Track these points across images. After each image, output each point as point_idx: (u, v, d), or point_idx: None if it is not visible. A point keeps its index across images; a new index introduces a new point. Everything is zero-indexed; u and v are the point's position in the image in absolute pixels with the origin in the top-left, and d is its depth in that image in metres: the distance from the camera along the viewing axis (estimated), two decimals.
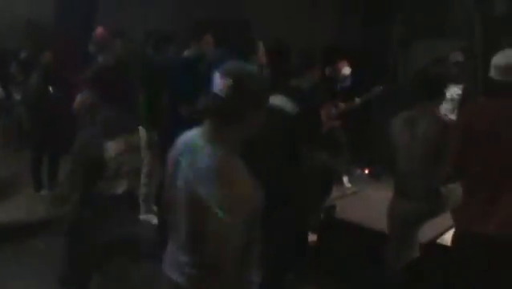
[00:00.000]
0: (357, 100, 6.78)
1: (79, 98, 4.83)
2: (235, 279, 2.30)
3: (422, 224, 4.21)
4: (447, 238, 4.53)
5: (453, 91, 6.41)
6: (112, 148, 3.53)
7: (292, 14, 8.81)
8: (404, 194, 4.16)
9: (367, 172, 7.66)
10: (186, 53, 5.82)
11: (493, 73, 3.19)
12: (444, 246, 4.63)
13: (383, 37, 8.83)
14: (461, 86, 6.28)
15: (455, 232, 3.49)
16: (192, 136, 2.40)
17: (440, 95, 4.14)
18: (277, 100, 3.98)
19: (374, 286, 4.38)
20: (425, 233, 4.50)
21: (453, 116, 6.25)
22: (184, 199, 2.31)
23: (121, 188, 3.64)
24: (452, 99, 6.40)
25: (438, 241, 4.80)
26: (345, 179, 7.03)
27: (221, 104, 2.22)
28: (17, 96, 7.95)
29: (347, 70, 6.74)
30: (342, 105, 6.77)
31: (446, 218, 4.02)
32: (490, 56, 3.27)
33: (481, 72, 8.15)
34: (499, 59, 3.18)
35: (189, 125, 2.47)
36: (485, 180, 3.20)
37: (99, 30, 6.33)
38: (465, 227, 3.35)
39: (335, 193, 6.03)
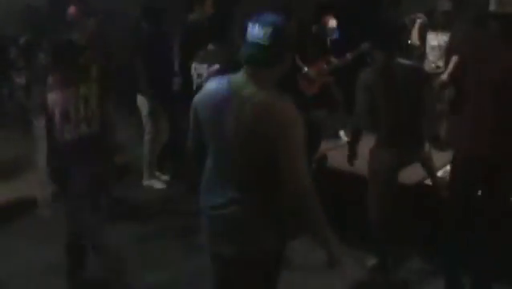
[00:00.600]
0: (348, 56, 6.88)
1: None
2: None
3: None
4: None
5: (441, 39, 6.54)
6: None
7: None
8: (391, 144, 4.34)
9: None
10: (191, 17, 6.31)
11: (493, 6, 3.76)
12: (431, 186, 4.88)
13: None
14: (448, 34, 6.37)
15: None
16: (228, 83, 2.66)
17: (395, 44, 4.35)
18: None
19: (365, 233, 4.59)
20: (410, 176, 4.72)
21: (440, 63, 6.42)
22: (239, 139, 2.58)
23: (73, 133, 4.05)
24: (439, 47, 6.54)
25: (426, 182, 5.04)
26: (341, 133, 7.21)
27: (264, 50, 2.53)
28: (20, 81, 8.11)
29: (333, 23, 6.83)
30: (334, 61, 6.87)
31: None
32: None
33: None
34: None
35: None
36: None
37: (71, 9, 6.58)
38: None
39: (330, 144, 6.28)
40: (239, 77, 2.64)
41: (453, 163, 4.16)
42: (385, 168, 4.35)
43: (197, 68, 5.22)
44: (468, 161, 3.95)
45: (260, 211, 2.66)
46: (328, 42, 7.00)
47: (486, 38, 3.88)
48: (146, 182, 6.76)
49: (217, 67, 4.90)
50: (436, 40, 6.70)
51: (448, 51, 4.18)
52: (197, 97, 2.77)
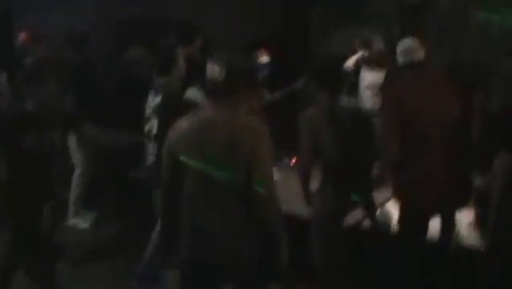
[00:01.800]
0: (277, 94, 6.77)
1: None
2: None
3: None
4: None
5: (376, 77, 6.58)
6: None
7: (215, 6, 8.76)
8: (334, 185, 4.26)
9: (294, 161, 7.70)
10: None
11: (399, 59, 4.11)
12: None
13: (304, 26, 8.97)
14: (383, 72, 6.44)
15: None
16: (193, 121, 3.00)
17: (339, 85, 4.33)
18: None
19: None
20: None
21: (372, 101, 6.48)
22: (221, 160, 2.88)
23: None
24: (374, 85, 6.59)
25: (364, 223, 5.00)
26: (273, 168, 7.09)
27: (221, 84, 2.91)
28: None
29: (264, 58, 6.75)
30: (267, 96, 6.77)
31: None
32: None
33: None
34: (400, 46, 4.14)
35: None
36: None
37: (22, 34, 6.28)
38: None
39: None
40: (205, 109, 3.03)
41: (400, 215, 4.21)
42: (330, 211, 4.27)
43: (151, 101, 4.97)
44: (416, 213, 4.02)
45: (243, 222, 2.97)
46: (259, 76, 6.91)
47: (420, 86, 4.00)
48: (71, 221, 6.34)
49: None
50: (371, 78, 6.74)
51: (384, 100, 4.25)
52: (172, 136, 3.03)
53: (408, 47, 4.09)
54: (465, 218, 4.69)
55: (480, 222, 4.65)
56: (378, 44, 6.83)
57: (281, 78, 7.01)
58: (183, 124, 3.02)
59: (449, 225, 4.34)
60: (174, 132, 3.03)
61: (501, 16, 7.91)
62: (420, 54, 4.05)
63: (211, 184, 2.93)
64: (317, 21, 9.23)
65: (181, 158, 2.97)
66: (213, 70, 2.92)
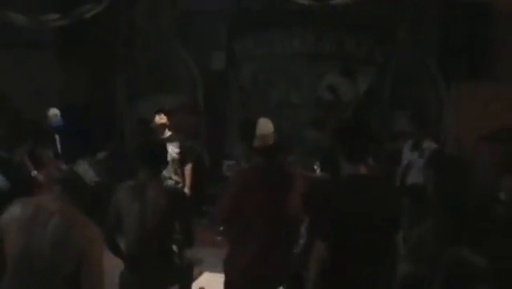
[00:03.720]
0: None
1: None
2: None
3: None
4: None
5: (172, 151, 6.14)
6: None
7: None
8: (136, 264, 3.98)
9: None
10: None
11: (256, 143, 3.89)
12: None
13: (109, 96, 8.73)
14: (177, 144, 6.28)
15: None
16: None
17: (163, 163, 4.19)
18: None
19: None
20: None
21: (176, 177, 6.25)
22: None
23: None
24: (173, 160, 6.31)
25: None
26: None
27: None
28: None
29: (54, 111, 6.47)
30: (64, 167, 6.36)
31: None
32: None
33: (204, 128, 8.59)
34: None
35: None
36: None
37: None
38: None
39: None
40: None
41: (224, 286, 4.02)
42: None
43: None
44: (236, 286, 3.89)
45: None
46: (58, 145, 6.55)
47: (256, 174, 3.90)
48: None
49: None
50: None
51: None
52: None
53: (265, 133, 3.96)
54: None
55: None
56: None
57: (87, 145, 6.71)
58: None
59: None
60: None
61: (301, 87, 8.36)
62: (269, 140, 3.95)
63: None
64: (123, 87, 9.00)
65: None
66: None
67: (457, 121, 7.06)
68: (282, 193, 3.80)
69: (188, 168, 6.32)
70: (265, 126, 3.98)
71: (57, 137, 7.16)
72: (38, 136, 6.28)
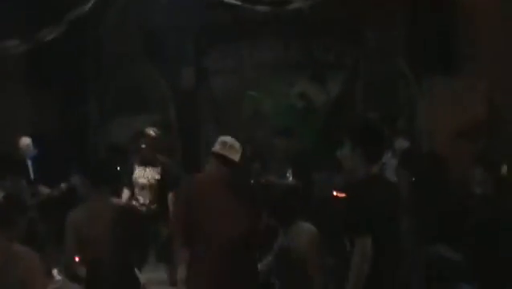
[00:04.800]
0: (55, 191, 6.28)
1: None
2: None
3: None
4: None
5: (150, 175, 5.84)
6: None
7: None
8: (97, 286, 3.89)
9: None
10: None
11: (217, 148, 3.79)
12: None
13: (80, 118, 8.63)
14: (158, 169, 5.86)
15: None
16: None
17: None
18: None
19: None
20: None
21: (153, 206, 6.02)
22: None
23: None
24: (150, 185, 5.82)
25: None
26: (54, 271, 6.48)
27: None
28: None
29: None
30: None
31: None
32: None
33: (178, 144, 8.51)
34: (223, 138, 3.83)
35: None
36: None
37: None
38: None
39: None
40: None
41: None
42: None
43: None
44: None
45: None
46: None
47: (213, 187, 3.77)
48: None
49: None
50: (144, 178, 5.89)
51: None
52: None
53: (228, 144, 3.82)
54: None
55: None
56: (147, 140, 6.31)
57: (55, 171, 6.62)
58: None
59: None
60: None
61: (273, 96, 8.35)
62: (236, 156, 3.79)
63: None
64: (95, 109, 8.92)
65: None
66: None
67: (429, 118, 7.06)
68: (234, 201, 3.71)
69: (170, 196, 5.66)
70: (231, 139, 3.86)
71: (29, 163, 7.05)
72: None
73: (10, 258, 2.73)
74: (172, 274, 5.67)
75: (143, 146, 5.82)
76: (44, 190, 6.38)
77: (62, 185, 6.49)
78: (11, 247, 2.79)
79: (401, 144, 5.10)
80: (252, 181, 4.97)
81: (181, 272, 3.79)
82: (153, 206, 5.79)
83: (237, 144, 3.81)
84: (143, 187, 5.75)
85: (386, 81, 7.70)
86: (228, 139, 3.83)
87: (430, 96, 7.16)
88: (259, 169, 5.63)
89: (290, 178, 4.60)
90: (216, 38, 8.41)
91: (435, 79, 7.07)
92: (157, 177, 5.80)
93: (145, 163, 5.80)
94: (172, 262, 5.79)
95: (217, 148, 3.80)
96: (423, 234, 4.04)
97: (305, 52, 8.17)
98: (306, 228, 4.00)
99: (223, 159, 3.75)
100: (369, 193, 3.00)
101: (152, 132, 5.91)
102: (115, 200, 4.10)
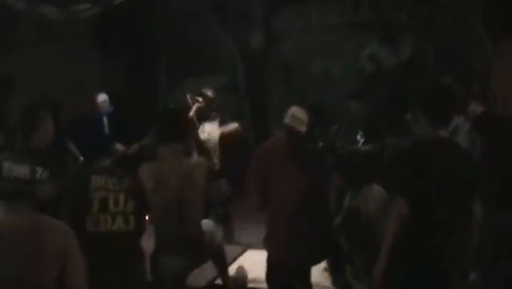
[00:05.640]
0: (130, 149, 6.41)
1: None
2: None
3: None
4: None
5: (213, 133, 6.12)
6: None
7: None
8: (167, 248, 3.98)
9: None
10: None
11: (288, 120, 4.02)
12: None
13: (150, 79, 8.78)
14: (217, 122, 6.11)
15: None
16: None
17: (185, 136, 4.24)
18: None
19: None
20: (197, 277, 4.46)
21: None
22: None
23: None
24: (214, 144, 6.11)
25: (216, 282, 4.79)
26: None
27: None
28: None
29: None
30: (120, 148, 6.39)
31: None
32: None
33: (246, 106, 8.55)
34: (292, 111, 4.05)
35: None
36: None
37: None
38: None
39: None
40: None
41: (268, 263, 4.01)
42: (169, 274, 3.96)
43: None
44: (281, 261, 3.88)
45: None
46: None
47: (286, 149, 3.97)
48: None
49: None
50: (204, 132, 6.11)
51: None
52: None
53: (296, 117, 4.04)
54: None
55: (333, 268, 4.61)
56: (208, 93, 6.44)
57: (128, 130, 6.76)
58: None
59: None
60: None
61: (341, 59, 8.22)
62: (303, 128, 4.03)
63: None
64: (163, 71, 9.05)
65: None
66: None
67: (504, 81, 6.78)
68: (306, 167, 3.87)
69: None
70: (299, 111, 4.07)
71: (105, 120, 7.25)
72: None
73: (44, 229, 2.65)
74: (228, 235, 5.84)
75: (200, 102, 6.02)
76: (120, 147, 6.52)
77: (135, 145, 6.63)
78: (43, 218, 2.71)
79: (475, 107, 4.93)
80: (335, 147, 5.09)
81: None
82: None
83: (304, 116, 4.03)
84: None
85: (460, 43, 7.42)
86: (296, 112, 4.04)
87: (506, 57, 6.87)
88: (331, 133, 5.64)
89: (362, 141, 4.55)
90: None
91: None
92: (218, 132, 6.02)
93: (203, 118, 6.00)
94: (229, 222, 6.02)
95: (287, 120, 4.03)
96: (495, 200, 3.93)
97: (375, 11, 7.96)
98: (377, 190, 3.97)
99: (292, 129, 3.99)
100: (430, 155, 3.01)
101: (209, 92, 6.10)
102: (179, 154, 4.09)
